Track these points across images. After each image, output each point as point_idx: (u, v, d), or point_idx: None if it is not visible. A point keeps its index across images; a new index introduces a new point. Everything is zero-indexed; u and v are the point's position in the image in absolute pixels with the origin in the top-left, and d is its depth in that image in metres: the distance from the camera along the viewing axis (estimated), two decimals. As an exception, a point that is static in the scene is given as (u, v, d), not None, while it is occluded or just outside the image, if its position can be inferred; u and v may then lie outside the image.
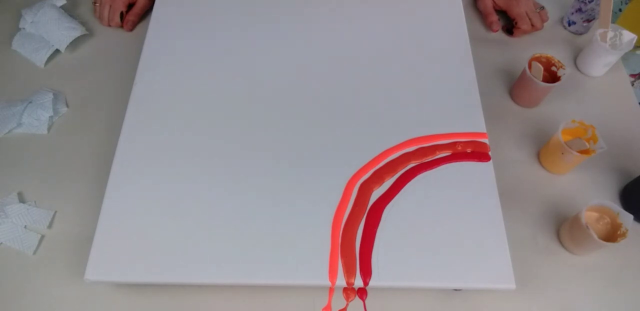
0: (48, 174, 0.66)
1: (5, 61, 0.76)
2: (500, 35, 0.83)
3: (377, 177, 0.58)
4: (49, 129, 0.69)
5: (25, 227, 0.61)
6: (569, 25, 0.82)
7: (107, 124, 0.69)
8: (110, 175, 0.58)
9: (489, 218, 0.56)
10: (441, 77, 0.67)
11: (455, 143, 0.61)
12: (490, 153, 0.61)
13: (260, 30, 0.71)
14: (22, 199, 0.64)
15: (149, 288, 0.58)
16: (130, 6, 0.80)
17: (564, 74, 0.69)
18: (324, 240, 0.54)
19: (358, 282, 0.52)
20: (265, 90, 0.65)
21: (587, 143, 0.64)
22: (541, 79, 0.69)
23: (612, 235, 0.59)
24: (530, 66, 0.69)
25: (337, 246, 0.54)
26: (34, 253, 0.60)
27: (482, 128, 0.63)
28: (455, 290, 0.58)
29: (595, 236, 0.55)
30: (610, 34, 0.73)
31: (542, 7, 0.80)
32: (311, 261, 0.53)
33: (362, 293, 0.57)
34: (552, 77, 0.71)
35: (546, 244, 0.62)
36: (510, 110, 0.74)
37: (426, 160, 0.60)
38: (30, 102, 0.70)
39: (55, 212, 0.63)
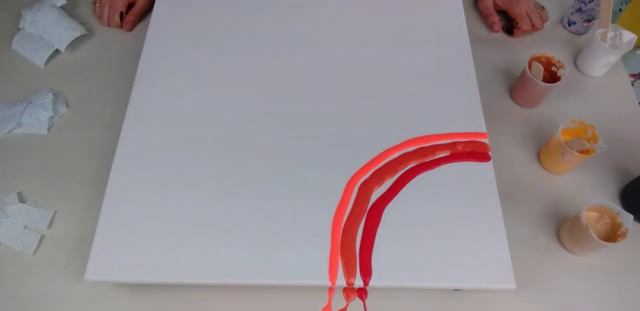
0: (48, 174, 0.66)
1: (5, 61, 0.76)
2: (500, 35, 0.83)
3: (377, 177, 0.58)
4: (49, 129, 0.69)
5: (25, 227, 0.61)
6: (569, 25, 0.82)
7: (107, 124, 0.69)
8: (110, 175, 0.58)
9: (489, 218, 0.56)
10: (441, 77, 0.67)
11: (455, 143, 0.61)
12: (490, 153, 0.61)
13: (261, 30, 0.71)
14: (22, 199, 0.64)
15: (149, 288, 0.58)
16: (130, 6, 0.80)
17: (564, 74, 0.69)
18: (324, 240, 0.54)
19: (358, 282, 0.52)
20: (266, 90, 0.65)
21: (587, 143, 0.64)
22: (541, 79, 0.69)
23: (612, 235, 0.59)
24: (530, 66, 0.69)
25: (337, 246, 0.54)
26: (34, 253, 0.60)
27: (482, 128, 0.63)
28: (455, 290, 0.58)
29: (595, 237, 0.55)
30: (610, 34, 0.73)
31: (543, 8, 0.80)
32: (311, 261, 0.53)
33: (362, 293, 0.57)
34: (552, 77, 0.71)
35: (546, 244, 0.62)
36: (510, 110, 0.74)
37: (426, 160, 0.60)
38: (30, 102, 0.70)
39: (55, 212, 0.63)
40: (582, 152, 0.62)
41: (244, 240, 0.54)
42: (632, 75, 1.01)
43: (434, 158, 0.60)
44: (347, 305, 0.56)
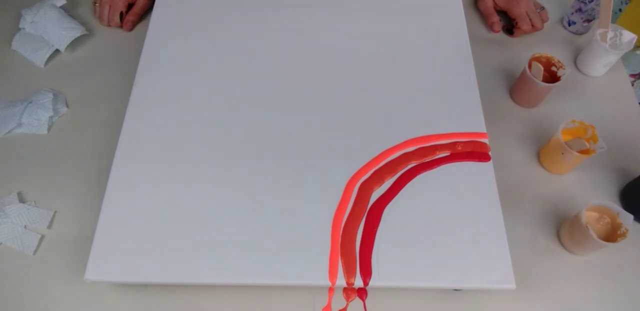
0: (48, 174, 0.66)
1: (5, 61, 0.76)
2: (500, 35, 0.83)
3: (377, 177, 0.58)
4: (49, 129, 0.69)
5: (25, 227, 0.61)
6: (569, 25, 0.82)
7: (107, 124, 0.69)
8: (110, 175, 0.58)
9: (489, 218, 0.56)
10: (441, 77, 0.67)
11: (455, 143, 0.61)
12: (490, 153, 0.61)
13: (261, 31, 0.71)
14: (22, 199, 0.64)
15: (149, 288, 0.58)
16: (130, 6, 0.80)
17: (564, 74, 0.69)
18: (324, 240, 0.54)
19: (358, 282, 0.52)
20: (265, 90, 0.65)
21: (587, 143, 0.64)
22: (541, 79, 0.69)
23: (612, 235, 0.59)
24: (530, 66, 0.69)
25: (337, 246, 0.54)
26: (34, 253, 0.60)
27: (482, 128, 0.63)
28: (455, 290, 0.58)
29: (595, 237, 0.55)
30: (610, 34, 0.73)
31: (543, 8, 0.80)
32: (311, 261, 0.53)
33: (362, 293, 0.57)
34: (552, 77, 0.71)
35: (546, 244, 0.62)
36: (510, 110, 0.74)
37: (426, 160, 0.60)
38: (30, 102, 0.70)
39: (55, 212, 0.63)
40: (582, 152, 0.62)
41: (244, 240, 0.54)
42: (632, 75, 1.01)
43: (434, 158, 0.60)
44: (347, 305, 0.56)
